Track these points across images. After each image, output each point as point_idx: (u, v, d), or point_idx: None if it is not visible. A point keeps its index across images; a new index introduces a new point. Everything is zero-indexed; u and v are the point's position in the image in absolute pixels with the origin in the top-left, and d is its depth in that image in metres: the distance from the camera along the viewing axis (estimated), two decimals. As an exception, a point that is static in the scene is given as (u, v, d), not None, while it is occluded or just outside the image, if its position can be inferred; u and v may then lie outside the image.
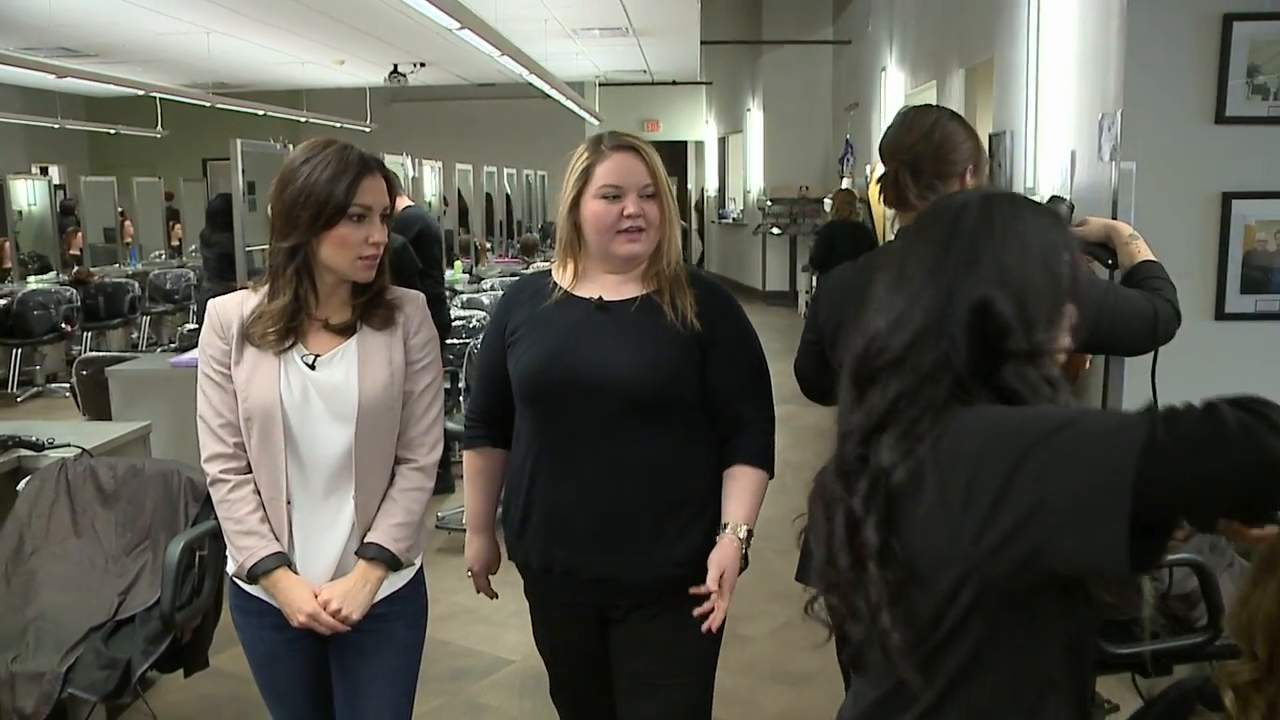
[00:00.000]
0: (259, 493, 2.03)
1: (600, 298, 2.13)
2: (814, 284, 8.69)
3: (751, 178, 16.36)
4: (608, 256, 2.11)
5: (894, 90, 10.09)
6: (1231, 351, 4.63)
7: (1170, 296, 2.18)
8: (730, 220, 16.96)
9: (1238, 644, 1.26)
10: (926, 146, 2.21)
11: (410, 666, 2.21)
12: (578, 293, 2.15)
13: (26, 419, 3.58)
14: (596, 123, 14.80)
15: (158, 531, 2.94)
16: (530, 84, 10.09)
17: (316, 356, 2.01)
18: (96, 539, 2.95)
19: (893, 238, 2.24)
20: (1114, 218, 4.81)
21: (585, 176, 2.09)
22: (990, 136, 7.03)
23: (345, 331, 2.04)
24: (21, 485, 3.07)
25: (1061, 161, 5.51)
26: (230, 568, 2.11)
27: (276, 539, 2.03)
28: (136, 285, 9.79)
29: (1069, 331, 1.29)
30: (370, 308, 2.05)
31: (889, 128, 2.30)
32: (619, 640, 2.20)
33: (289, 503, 2.03)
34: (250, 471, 2.03)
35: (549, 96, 11.48)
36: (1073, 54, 5.36)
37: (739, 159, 17.66)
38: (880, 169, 2.34)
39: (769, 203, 14.64)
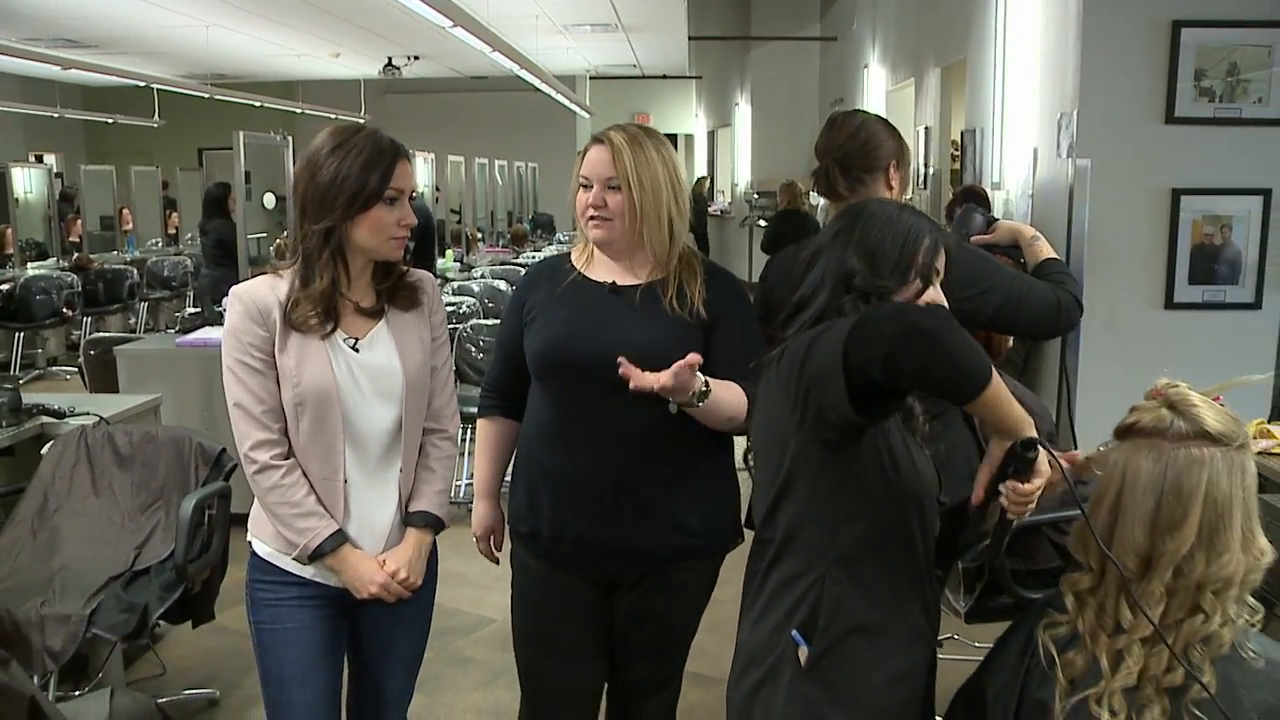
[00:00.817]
0: (306, 475, 2.07)
1: (613, 282, 2.24)
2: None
3: (739, 170, 16.60)
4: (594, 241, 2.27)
5: (876, 87, 10.32)
6: (1180, 339, 4.89)
7: (1072, 289, 2.45)
8: (719, 212, 17.21)
9: (1078, 559, 1.54)
10: (853, 145, 2.53)
11: (427, 625, 2.33)
12: (591, 276, 2.27)
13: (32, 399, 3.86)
14: (587, 116, 15.06)
15: (170, 492, 3.20)
16: (521, 78, 10.33)
17: (357, 339, 2.07)
18: (114, 498, 3.21)
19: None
20: (1070, 212, 5.12)
21: (579, 166, 2.25)
22: (961, 133, 7.30)
23: (374, 314, 2.10)
24: (45, 449, 3.33)
25: (1025, 158, 5.77)
26: (263, 550, 2.14)
27: (333, 518, 2.08)
28: (135, 272, 10.02)
29: (916, 299, 1.68)
30: (394, 290, 2.12)
31: (822, 130, 2.60)
32: (626, 607, 2.30)
33: (346, 481, 2.08)
34: (292, 455, 2.06)
35: (540, 90, 11.71)
36: (1036, 56, 5.62)
37: (728, 152, 17.91)
38: None
39: (756, 195, 14.89)
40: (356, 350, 2.06)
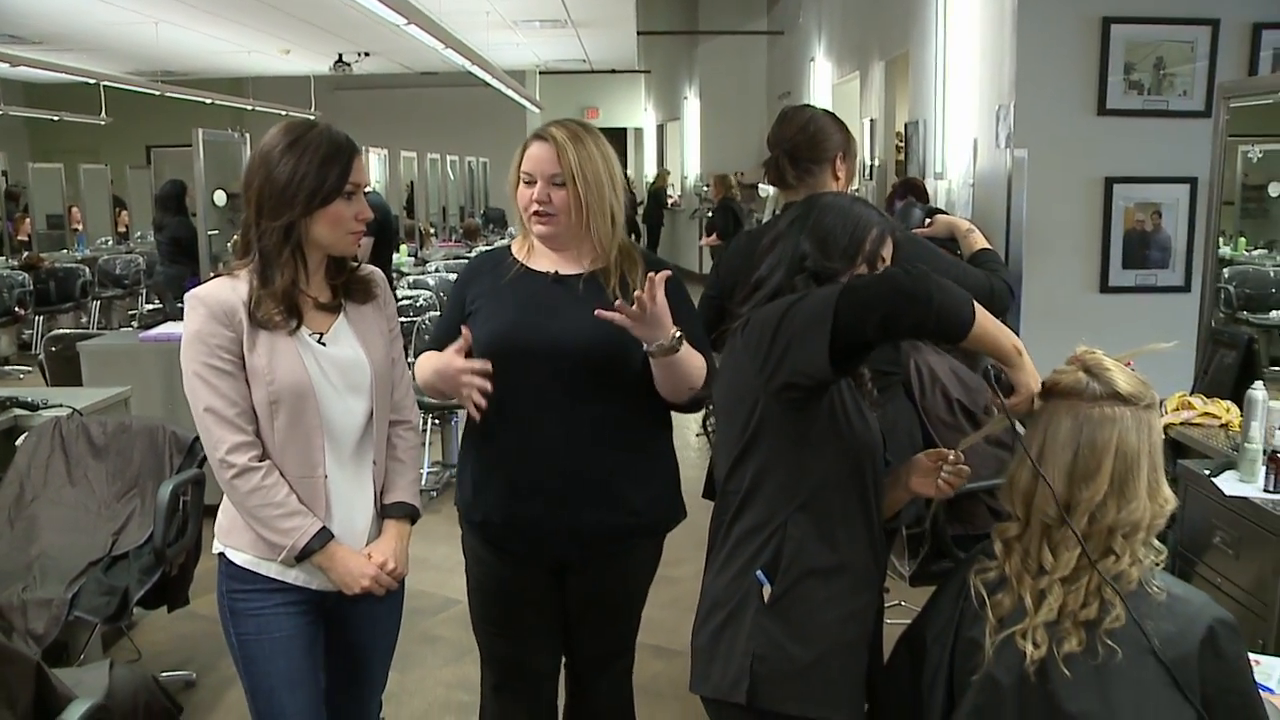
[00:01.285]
0: (284, 475, 2.04)
1: (556, 272, 2.28)
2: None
3: (689, 163, 16.77)
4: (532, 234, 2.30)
5: (822, 80, 10.51)
6: (1115, 320, 5.12)
7: (1004, 276, 2.60)
8: (669, 205, 17.37)
9: (1006, 508, 1.70)
10: (802, 138, 2.69)
11: (400, 615, 2.32)
12: (534, 267, 2.31)
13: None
14: (537, 111, 15.13)
15: (145, 480, 3.30)
16: (472, 73, 10.42)
17: (321, 334, 2.07)
18: (89, 487, 3.30)
19: (780, 212, 2.66)
20: (1009, 200, 5.32)
21: (518, 161, 2.28)
22: (905, 125, 7.50)
23: (333, 309, 2.10)
24: (20, 441, 3.41)
25: (966, 148, 5.98)
26: (240, 559, 2.08)
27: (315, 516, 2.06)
28: (87, 270, 9.99)
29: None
30: (349, 285, 2.13)
31: (774, 123, 2.75)
32: (577, 588, 2.36)
33: (325, 477, 2.07)
34: (268, 456, 2.03)
35: (490, 86, 11.79)
36: (975, 50, 5.82)
37: (677, 145, 18.07)
38: None
39: (705, 188, 15.06)
40: (323, 344, 2.06)
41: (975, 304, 1.66)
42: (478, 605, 2.44)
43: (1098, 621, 1.58)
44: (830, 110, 2.83)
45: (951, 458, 1.88)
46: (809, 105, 2.97)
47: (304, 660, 2.13)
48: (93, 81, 11.80)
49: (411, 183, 12.25)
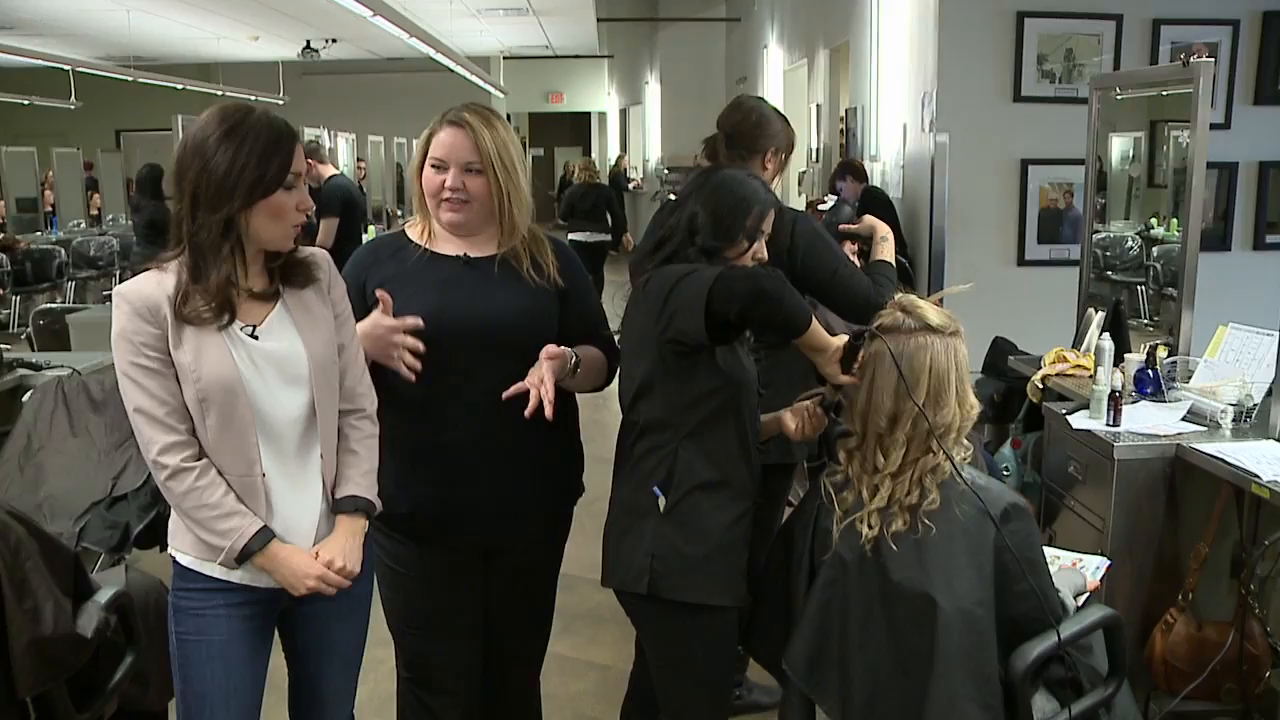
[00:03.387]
0: (222, 474, 1.95)
1: (466, 255, 2.27)
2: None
3: (650, 147, 17.14)
4: (439, 221, 2.27)
5: (774, 66, 10.90)
6: (1031, 291, 5.57)
7: (885, 293, 2.78)
8: (630, 188, 17.74)
9: (848, 427, 2.13)
10: (745, 125, 3.00)
11: (366, 618, 2.21)
12: (438, 250, 2.28)
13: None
14: (501, 95, 15.47)
15: (140, 431, 3.67)
16: (437, 61, 10.76)
17: (255, 326, 1.96)
18: (90, 438, 3.67)
19: None
20: (932, 180, 5.75)
21: (426, 145, 2.24)
22: (846, 111, 7.92)
23: (270, 297, 1.99)
24: (26, 398, 3.79)
25: (897, 133, 6.41)
26: (185, 560, 2.00)
27: (255, 515, 1.96)
28: (63, 251, 10.28)
29: (745, 254, 2.25)
30: (287, 269, 2.01)
31: (726, 106, 3.08)
32: (504, 566, 2.39)
33: (264, 475, 1.97)
34: (204, 456, 1.94)
35: (455, 72, 12.14)
36: (904, 41, 6.25)
37: (639, 129, 18.43)
38: None
39: (666, 171, 15.44)
40: (256, 338, 1.96)
41: (811, 314, 2.09)
42: (400, 607, 2.38)
43: (918, 505, 2.00)
44: (780, 111, 3.09)
45: (809, 407, 2.28)
46: (763, 99, 3.22)
47: (243, 669, 2.03)
48: (65, 67, 12.01)
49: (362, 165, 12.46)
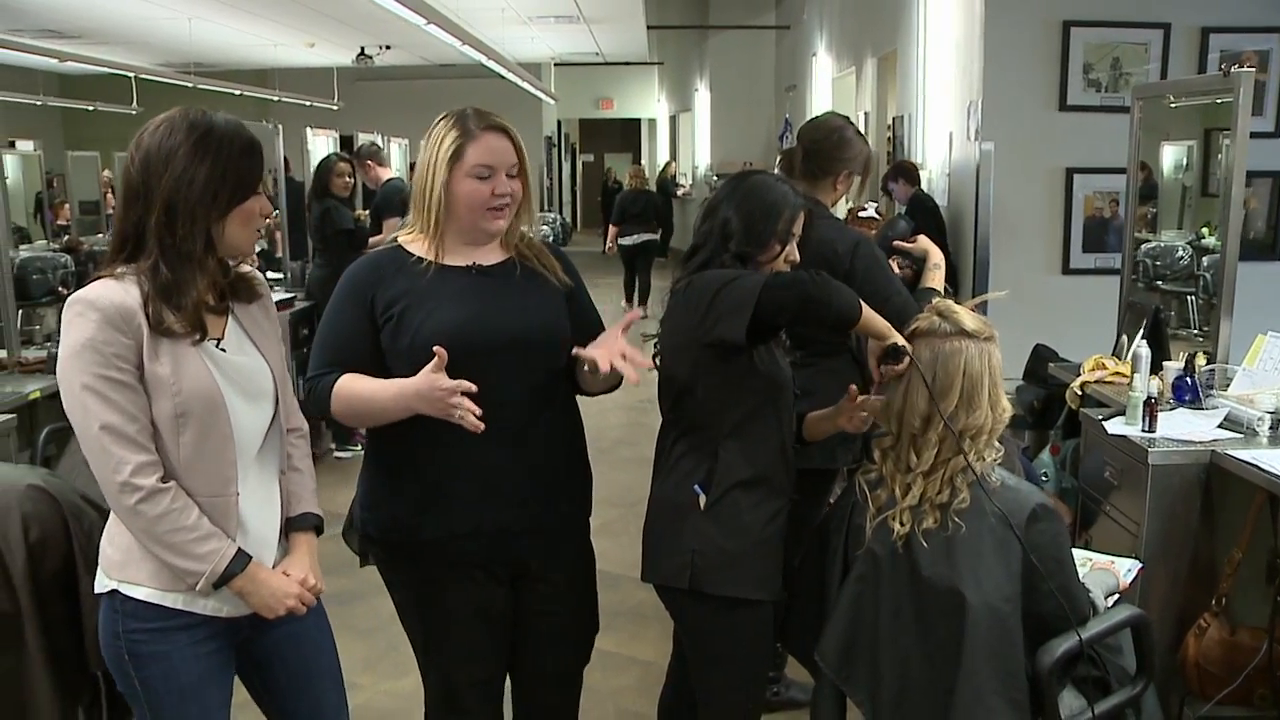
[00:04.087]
0: (191, 495, 1.85)
1: (477, 264, 2.21)
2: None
3: (699, 153, 17.23)
4: (476, 230, 2.18)
5: (822, 74, 10.93)
6: (1075, 300, 5.58)
7: None
8: (680, 195, 17.83)
9: (881, 424, 2.20)
10: (825, 144, 3.06)
11: (329, 629, 2.15)
12: (447, 263, 2.20)
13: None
14: (552, 102, 15.63)
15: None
16: (488, 67, 10.91)
17: (219, 339, 1.90)
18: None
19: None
20: (977, 189, 5.77)
21: (458, 156, 2.13)
22: (893, 119, 7.96)
23: (221, 312, 1.93)
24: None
25: (943, 141, 6.44)
26: (140, 594, 1.87)
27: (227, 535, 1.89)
28: (123, 253, 10.53)
29: (778, 256, 2.31)
30: (235, 285, 1.96)
31: (813, 118, 3.14)
32: (535, 593, 2.32)
33: (238, 494, 1.90)
34: (171, 477, 1.84)
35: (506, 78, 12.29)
36: (951, 49, 6.28)
37: (689, 136, 18.52)
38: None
39: (715, 177, 15.50)
40: (223, 350, 1.90)
41: (859, 298, 2.14)
42: (434, 634, 2.31)
43: (949, 503, 2.07)
44: (863, 134, 3.12)
45: (859, 401, 2.31)
46: (850, 121, 3.20)
47: (216, 707, 1.97)
48: (128, 74, 12.31)
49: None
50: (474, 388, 1.99)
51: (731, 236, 2.29)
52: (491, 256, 2.23)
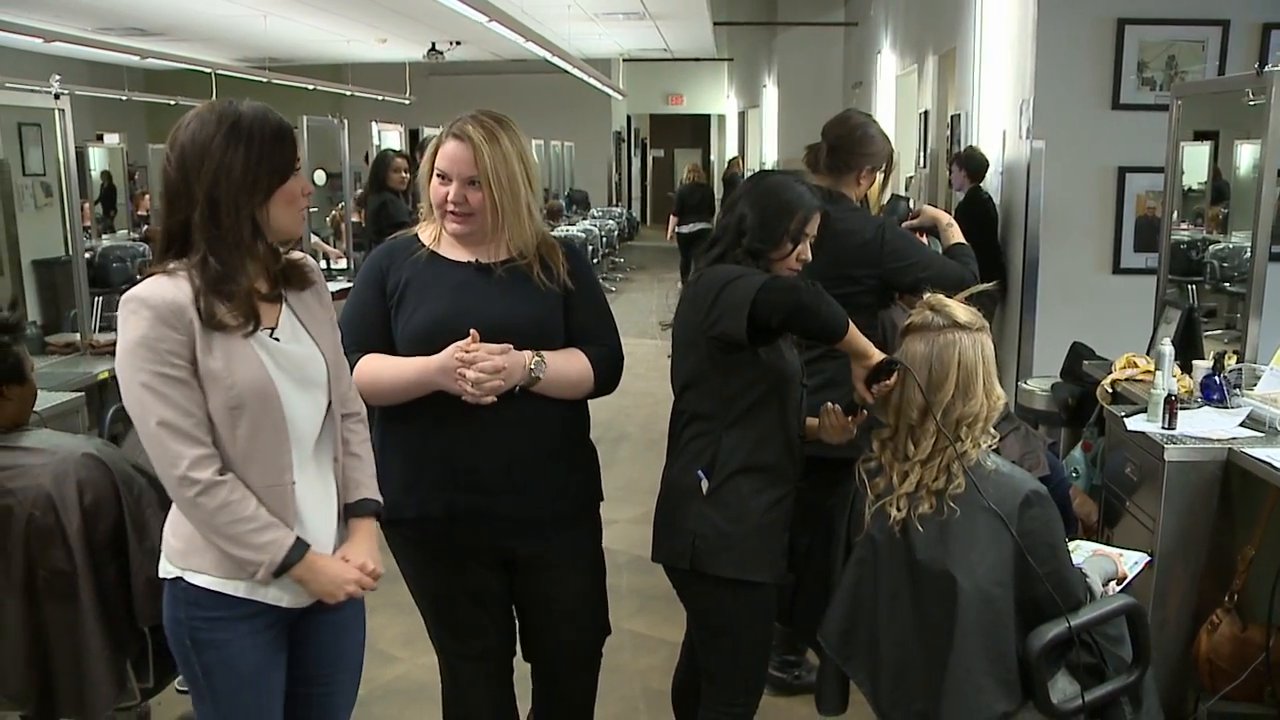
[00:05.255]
0: (248, 485, 1.88)
1: (476, 260, 2.27)
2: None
3: (767, 149, 17.24)
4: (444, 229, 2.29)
5: (887, 71, 10.91)
6: (1126, 300, 5.53)
7: (972, 268, 3.03)
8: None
9: (880, 417, 2.28)
10: (848, 140, 3.13)
11: (365, 625, 2.19)
12: (448, 255, 2.28)
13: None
14: (620, 97, 15.77)
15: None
16: (555, 64, 11.08)
17: (272, 328, 1.92)
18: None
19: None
20: (1028, 187, 5.77)
21: (433, 154, 2.24)
22: (951, 117, 7.95)
23: (275, 299, 1.95)
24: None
25: (996, 139, 6.44)
26: (204, 581, 1.91)
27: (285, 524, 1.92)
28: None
29: (789, 255, 2.39)
30: (287, 272, 1.98)
31: (838, 115, 3.23)
32: (526, 584, 2.42)
33: (293, 483, 1.93)
34: (228, 468, 1.87)
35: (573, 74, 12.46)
36: (1005, 48, 6.28)
37: (757, 132, 18.54)
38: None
39: (780, 174, 15.50)
40: (277, 340, 1.92)
41: (848, 318, 2.22)
42: (429, 611, 2.45)
43: (944, 490, 2.15)
44: (883, 129, 3.21)
45: (845, 423, 2.41)
46: (872, 117, 3.32)
47: (274, 694, 2.02)
48: (206, 70, 12.69)
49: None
50: (476, 334, 2.14)
51: (746, 233, 2.38)
52: (495, 254, 2.29)
